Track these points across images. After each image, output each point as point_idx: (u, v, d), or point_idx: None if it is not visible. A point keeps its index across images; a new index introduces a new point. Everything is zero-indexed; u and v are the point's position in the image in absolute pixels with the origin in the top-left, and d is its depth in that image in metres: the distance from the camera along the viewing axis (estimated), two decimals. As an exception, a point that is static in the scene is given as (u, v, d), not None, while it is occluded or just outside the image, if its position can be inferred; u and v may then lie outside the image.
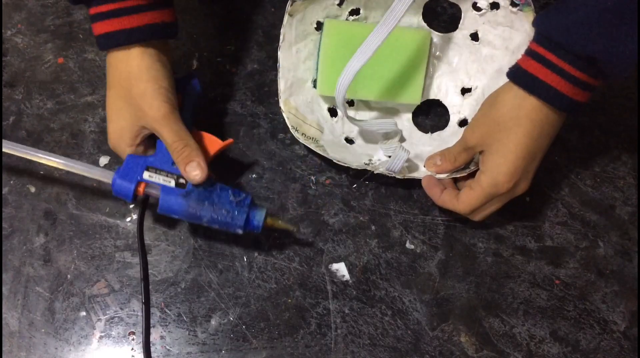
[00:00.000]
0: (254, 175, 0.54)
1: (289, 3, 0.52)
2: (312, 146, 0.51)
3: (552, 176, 0.56)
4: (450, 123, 0.57)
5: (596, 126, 0.58)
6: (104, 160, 0.54)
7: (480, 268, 0.52)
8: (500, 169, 0.47)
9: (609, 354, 0.50)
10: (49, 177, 0.54)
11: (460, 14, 0.56)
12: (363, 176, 0.54)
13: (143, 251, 0.50)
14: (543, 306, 0.51)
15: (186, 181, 0.46)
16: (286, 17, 0.52)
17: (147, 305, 0.49)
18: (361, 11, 0.56)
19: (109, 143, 0.49)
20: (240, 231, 0.46)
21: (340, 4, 0.55)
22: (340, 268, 0.52)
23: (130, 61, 0.46)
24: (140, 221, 0.49)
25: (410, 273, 0.52)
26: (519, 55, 0.47)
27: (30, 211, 0.52)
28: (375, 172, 0.51)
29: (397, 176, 0.51)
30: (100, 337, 0.49)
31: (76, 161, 0.47)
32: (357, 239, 0.53)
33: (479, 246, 0.53)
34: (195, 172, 0.45)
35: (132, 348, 0.49)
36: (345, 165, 0.50)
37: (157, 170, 0.46)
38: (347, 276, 0.51)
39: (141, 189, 0.46)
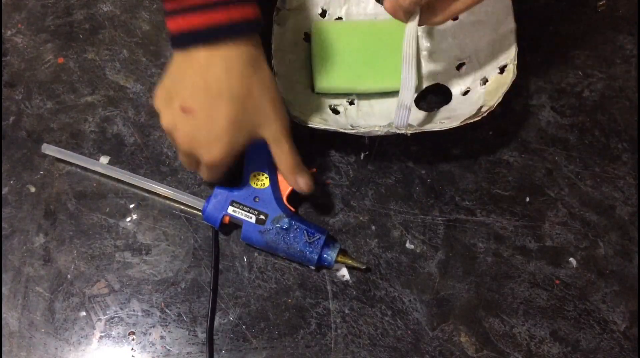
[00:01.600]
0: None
1: (275, 12, 0.53)
2: (321, 126, 0.51)
3: (552, 176, 0.56)
4: (454, 96, 0.57)
5: (596, 126, 0.58)
6: (104, 160, 0.54)
7: (480, 268, 0.52)
8: None
9: (609, 354, 0.50)
10: (49, 177, 0.54)
11: None
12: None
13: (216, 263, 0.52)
14: (543, 306, 0.51)
15: (265, 218, 0.49)
16: (275, 26, 0.53)
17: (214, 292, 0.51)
18: (343, 19, 0.59)
19: (210, 156, 0.43)
20: (313, 267, 0.51)
21: (323, 15, 0.58)
22: (340, 268, 0.52)
23: (247, 62, 0.41)
24: (216, 245, 0.52)
25: (410, 273, 0.52)
26: (500, 14, 0.50)
27: (30, 211, 0.52)
28: (384, 133, 0.49)
29: (407, 132, 0.49)
30: (100, 337, 0.49)
31: (173, 189, 0.51)
32: (357, 239, 0.53)
33: (479, 246, 0.53)
34: (306, 181, 0.47)
35: (132, 348, 0.49)
36: (355, 132, 0.50)
37: (240, 205, 0.50)
38: (347, 276, 0.51)
39: (227, 220, 0.50)
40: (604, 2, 0.62)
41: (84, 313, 0.50)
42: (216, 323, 0.50)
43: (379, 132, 0.49)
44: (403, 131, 0.49)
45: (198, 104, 0.42)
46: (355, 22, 0.59)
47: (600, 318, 0.51)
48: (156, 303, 0.50)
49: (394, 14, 0.44)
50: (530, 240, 0.53)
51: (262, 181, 0.50)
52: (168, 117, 0.44)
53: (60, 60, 0.58)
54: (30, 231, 0.52)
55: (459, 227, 0.53)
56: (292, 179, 0.47)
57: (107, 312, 0.50)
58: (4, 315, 0.49)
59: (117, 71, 0.58)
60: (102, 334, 0.49)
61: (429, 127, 0.50)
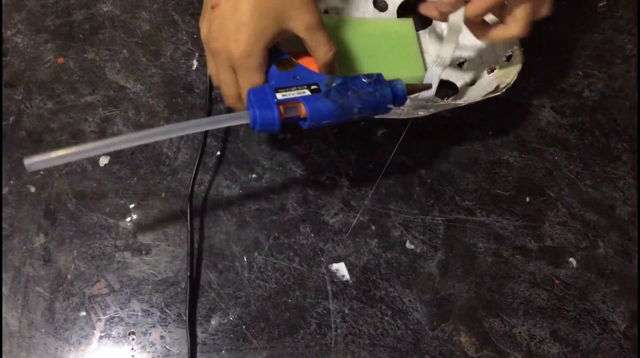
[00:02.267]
0: (254, 175, 0.54)
1: None
2: None
3: (552, 176, 0.56)
4: (460, 88, 0.58)
5: (596, 126, 0.58)
6: (104, 160, 0.54)
7: (480, 268, 0.52)
8: None
9: (609, 354, 0.50)
10: (49, 177, 0.54)
11: None
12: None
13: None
14: (543, 306, 0.51)
15: (317, 86, 0.43)
16: None
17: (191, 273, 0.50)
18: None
19: (239, 47, 0.41)
20: (392, 108, 0.44)
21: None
22: (340, 268, 0.52)
23: None
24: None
25: (410, 273, 0.52)
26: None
27: (30, 211, 0.52)
28: (408, 108, 0.47)
29: (433, 103, 0.47)
30: (100, 337, 0.49)
31: (200, 119, 0.42)
32: (357, 239, 0.53)
33: (479, 246, 0.53)
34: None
35: (132, 348, 0.49)
36: None
37: (286, 89, 0.42)
38: (347, 276, 0.51)
39: (282, 111, 0.41)
40: (604, 3, 0.62)
41: (84, 313, 0.49)
42: (216, 323, 0.50)
43: (403, 108, 0.47)
44: (429, 103, 0.48)
45: None
46: (355, 18, 0.59)
47: (600, 318, 0.51)
48: (156, 303, 0.50)
49: (437, 13, 0.49)
50: (530, 240, 0.53)
51: (290, 64, 0.44)
52: (204, 27, 0.43)
53: (60, 60, 0.58)
54: (30, 231, 0.52)
55: (459, 227, 0.53)
56: (333, 70, 0.45)
57: (107, 312, 0.50)
58: (4, 315, 0.49)
59: (117, 71, 0.58)
60: (102, 334, 0.49)
61: (451, 102, 0.50)
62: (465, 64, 0.57)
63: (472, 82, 0.56)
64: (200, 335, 0.49)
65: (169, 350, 0.49)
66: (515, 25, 0.48)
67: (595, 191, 0.55)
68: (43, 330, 0.49)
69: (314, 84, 0.43)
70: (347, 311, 0.50)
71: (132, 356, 0.48)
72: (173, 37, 0.59)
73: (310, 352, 0.49)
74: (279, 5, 0.42)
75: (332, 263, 0.52)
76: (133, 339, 0.49)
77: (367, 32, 0.56)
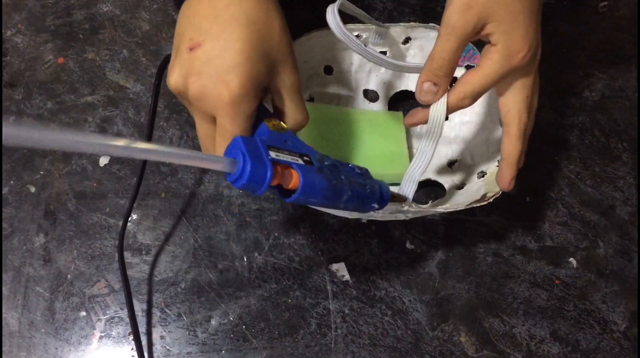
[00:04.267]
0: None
1: None
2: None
3: (552, 176, 0.56)
4: (447, 190, 0.54)
5: (596, 126, 0.58)
6: (104, 160, 0.54)
7: (480, 268, 0.52)
8: (514, 33, 0.37)
9: (609, 354, 0.50)
10: (49, 177, 0.54)
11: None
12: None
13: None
14: (543, 306, 0.51)
15: (309, 158, 0.36)
16: None
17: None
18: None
19: (230, 90, 0.33)
20: (376, 207, 0.39)
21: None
22: (340, 268, 0.52)
23: None
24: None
25: (410, 273, 0.52)
26: (494, 115, 0.48)
27: (30, 211, 0.52)
28: (382, 212, 0.42)
29: (410, 208, 0.43)
30: (100, 337, 0.49)
31: (185, 150, 0.30)
32: (357, 239, 0.53)
33: (479, 246, 0.53)
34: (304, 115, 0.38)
35: (132, 348, 0.49)
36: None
37: (278, 149, 0.35)
38: (347, 276, 0.51)
39: (279, 170, 0.33)
40: (605, 3, 0.63)
41: (84, 313, 0.50)
42: (216, 323, 0.50)
43: (379, 212, 0.42)
44: (405, 208, 0.42)
45: (206, 35, 0.34)
46: (343, 108, 0.56)
47: (600, 318, 0.51)
48: (156, 303, 0.50)
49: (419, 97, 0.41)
50: (530, 240, 0.53)
51: (280, 126, 0.38)
52: (176, 72, 0.35)
53: (60, 60, 0.58)
54: (30, 231, 0.52)
55: (459, 227, 0.53)
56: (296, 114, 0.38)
57: (107, 312, 0.50)
58: (4, 315, 0.49)
59: (117, 71, 0.58)
60: (102, 334, 0.49)
61: (432, 208, 0.45)
62: (456, 164, 0.54)
63: (461, 186, 0.52)
64: (200, 335, 0.49)
65: (169, 350, 0.49)
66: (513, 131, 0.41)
67: (595, 191, 0.55)
68: (43, 330, 0.49)
69: (305, 156, 0.36)
70: (347, 311, 0.50)
71: (132, 356, 0.48)
72: (173, 37, 0.59)
73: (310, 352, 0.49)
74: (272, 54, 0.35)
75: (332, 263, 0.52)
76: (133, 339, 0.49)
77: (354, 122, 0.54)
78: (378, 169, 0.53)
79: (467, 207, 0.44)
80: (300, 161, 0.35)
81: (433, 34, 0.53)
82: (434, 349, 0.49)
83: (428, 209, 0.43)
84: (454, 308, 0.51)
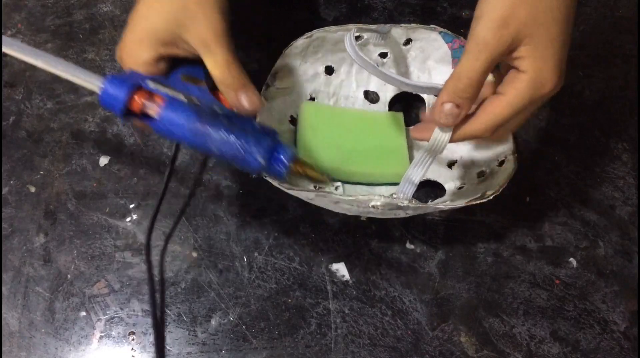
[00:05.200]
0: (254, 175, 0.54)
1: (264, 87, 0.51)
2: (310, 193, 0.45)
3: (552, 176, 0.56)
4: (447, 191, 0.54)
5: (596, 126, 0.58)
6: (104, 160, 0.54)
7: (480, 268, 0.52)
8: (547, 62, 0.34)
9: (609, 354, 0.50)
10: (49, 177, 0.54)
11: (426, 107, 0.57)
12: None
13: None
14: (543, 306, 0.51)
15: (201, 105, 0.37)
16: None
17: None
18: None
19: (120, 48, 0.39)
20: (259, 163, 0.37)
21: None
22: (340, 268, 0.52)
23: None
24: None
25: (410, 273, 0.52)
26: None
27: (30, 211, 0.52)
28: (382, 205, 0.42)
29: (410, 205, 0.42)
30: (100, 337, 0.49)
31: (62, 62, 0.39)
32: (357, 239, 0.53)
33: (479, 246, 0.53)
34: (250, 99, 0.38)
35: (132, 348, 0.49)
36: (352, 198, 0.42)
37: (165, 86, 0.38)
38: (347, 276, 0.51)
39: (139, 100, 0.36)
40: None
41: (84, 313, 0.50)
42: (216, 323, 0.50)
43: (378, 203, 0.41)
44: (405, 204, 0.42)
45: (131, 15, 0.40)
46: (344, 108, 0.56)
47: (600, 318, 0.51)
48: (156, 303, 0.50)
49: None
50: (530, 240, 0.53)
51: (199, 82, 0.40)
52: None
53: (60, 60, 0.58)
54: (30, 231, 0.52)
55: (459, 227, 0.53)
56: (231, 97, 0.39)
57: (107, 312, 0.50)
58: (4, 315, 0.49)
59: (117, 71, 0.58)
60: (102, 334, 0.49)
61: (432, 205, 0.44)
62: (456, 164, 0.54)
63: (461, 186, 0.52)
64: (200, 335, 0.49)
65: (169, 350, 0.49)
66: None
67: (595, 191, 0.55)
68: (43, 330, 0.49)
69: (197, 99, 0.38)
70: (347, 311, 0.50)
71: (132, 356, 0.48)
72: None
73: (310, 352, 0.49)
74: (177, 12, 0.37)
75: (332, 263, 0.52)
76: (133, 339, 0.49)
77: (354, 122, 0.54)
78: (378, 169, 0.53)
79: (467, 204, 0.44)
80: (182, 98, 0.37)
81: (434, 35, 0.53)
82: (434, 349, 0.49)
83: (427, 206, 0.44)
84: (454, 308, 0.51)
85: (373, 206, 0.42)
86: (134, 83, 0.37)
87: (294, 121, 0.55)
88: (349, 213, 0.48)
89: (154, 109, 0.37)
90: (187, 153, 0.55)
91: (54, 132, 0.55)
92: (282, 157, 0.38)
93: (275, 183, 0.43)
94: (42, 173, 0.54)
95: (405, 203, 0.42)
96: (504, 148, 0.49)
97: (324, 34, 0.52)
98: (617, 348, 0.50)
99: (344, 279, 0.51)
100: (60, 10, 0.60)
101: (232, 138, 0.36)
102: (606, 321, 0.51)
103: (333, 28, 0.52)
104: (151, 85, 0.37)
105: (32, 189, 0.53)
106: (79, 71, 0.38)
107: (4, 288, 0.50)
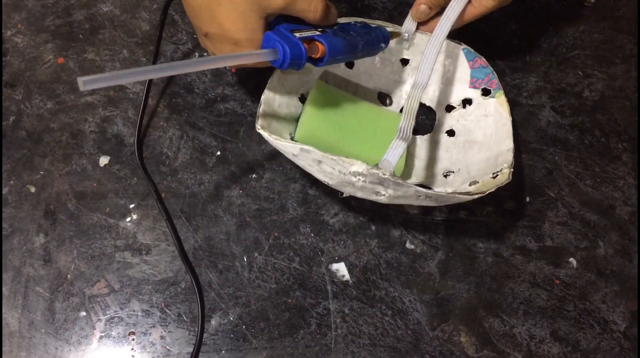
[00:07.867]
0: (254, 175, 0.54)
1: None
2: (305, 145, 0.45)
3: (552, 176, 0.56)
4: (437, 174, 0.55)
5: (596, 126, 0.58)
6: (104, 160, 0.54)
7: (480, 268, 0.52)
8: None
9: (609, 354, 0.50)
10: (49, 177, 0.54)
11: (435, 117, 0.56)
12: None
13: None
14: (543, 306, 0.51)
15: (324, 29, 0.46)
16: (276, 71, 0.50)
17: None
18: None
19: (218, 42, 0.45)
20: (383, 47, 0.50)
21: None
22: (340, 268, 0.52)
23: None
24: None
25: (410, 273, 0.52)
26: (500, 138, 0.50)
27: (30, 211, 0.52)
28: (364, 178, 0.42)
29: (391, 178, 0.41)
30: (100, 337, 0.49)
31: (219, 56, 0.40)
32: (357, 239, 0.53)
33: (479, 246, 0.53)
34: (335, 12, 0.47)
35: (132, 348, 0.49)
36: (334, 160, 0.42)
37: (298, 30, 0.44)
38: (347, 276, 0.51)
39: (307, 45, 0.43)
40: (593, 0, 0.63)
41: (84, 313, 0.50)
42: (216, 323, 0.50)
43: (360, 169, 0.41)
44: (386, 176, 0.41)
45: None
46: (353, 96, 0.56)
47: (600, 318, 0.51)
48: (156, 303, 0.50)
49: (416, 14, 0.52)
50: (530, 240, 0.53)
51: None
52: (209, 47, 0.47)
53: (60, 60, 0.58)
54: (30, 231, 0.52)
55: (459, 227, 0.53)
56: (333, 19, 0.48)
57: (107, 312, 0.50)
58: (4, 315, 0.49)
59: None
60: (102, 334, 0.49)
61: (412, 185, 0.42)
62: (452, 175, 0.54)
63: (452, 193, 0.50)
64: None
65: (169, 350, 0.49)
66: None
67: (595, 191, 0.55)
68: (43, 330, 0.49)
69: (320, 29, 0.45)
70: (347, 311, 0.50)
71: (132, 356, 0.48)
72: (173, 37, 0.59)
73: (310, 352, 0.49)
74: None
75: (332, 263, 0.52)
76: (133, 339, 0.49)
77: (361, 111, 0.54)
78: (374, 155, 0.53)
79: (449, 195, 0.43)
80: (318, 33, 0.44)
81: (457, 50, 0.54)
82: (434, 349, 0.49)
83: (405, 183, 0.41)
84: (454, 308, 0.51)
85: (353, 173, 0.41)
86: (296, 39, 0.42)
87: (302, 99, 0.54)
88: (330, 182, 0.45)
89: (322, 51, 0.44)
90: (186, 152, 0.55)
91: (54, 132, 0.55)
92: (386, 34, 0.50)
93: (265, 134, 0.45)
94: (42, 173, 0.54)
95: (387, 174, 0.41)
96: (502, 163, 0.49)
97: None
98: (617, 348, 0.50)
99: (344, 279, 0.51)
100: (60, 10, 0.60)
101: (367, 39, 0.47)
102: (606, 321, 0.51)
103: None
104: (298, 35, 0.43)
105: (32, 189, 0.53)
106: (248, 55, 0.41)
107: (4, 288, 0.50)
